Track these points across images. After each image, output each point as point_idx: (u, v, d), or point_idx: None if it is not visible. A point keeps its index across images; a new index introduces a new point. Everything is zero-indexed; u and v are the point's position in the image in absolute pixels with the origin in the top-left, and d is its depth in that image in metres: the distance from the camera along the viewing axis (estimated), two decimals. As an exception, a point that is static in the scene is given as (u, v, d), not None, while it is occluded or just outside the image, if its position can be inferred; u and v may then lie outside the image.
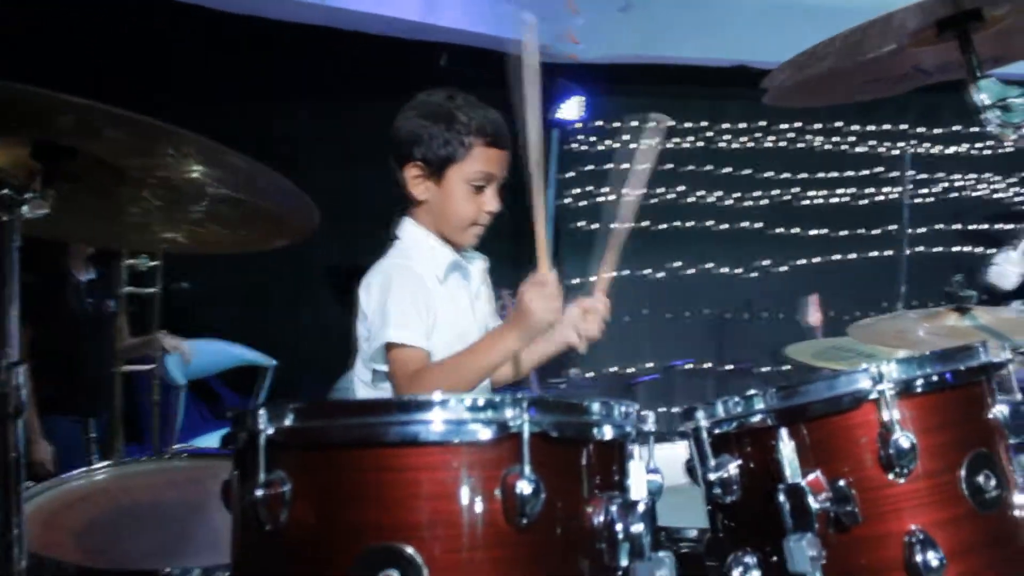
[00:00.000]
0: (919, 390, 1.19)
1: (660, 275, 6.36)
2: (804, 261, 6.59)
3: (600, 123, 6.24)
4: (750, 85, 6.45)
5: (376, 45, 5.18)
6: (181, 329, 4.29)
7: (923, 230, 6.61)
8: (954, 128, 6.76)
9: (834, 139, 6.65)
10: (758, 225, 6.54)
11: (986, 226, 6.89)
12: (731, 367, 6.35)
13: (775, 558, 1.22)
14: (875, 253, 6.70)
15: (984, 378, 1.25)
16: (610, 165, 6.29)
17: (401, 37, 5.23)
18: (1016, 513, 1.21)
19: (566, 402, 1.16)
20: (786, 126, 6.54)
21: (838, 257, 6.64)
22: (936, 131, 6.74)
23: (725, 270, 6.51)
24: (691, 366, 6.38)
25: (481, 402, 1.09)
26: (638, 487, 1.15)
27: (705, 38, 5.79)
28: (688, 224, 6.43)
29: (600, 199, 6.29)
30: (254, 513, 1.10)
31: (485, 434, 1.07)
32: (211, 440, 4.00)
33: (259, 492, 1.09)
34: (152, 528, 1.91)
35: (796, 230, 6.62)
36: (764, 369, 6.30)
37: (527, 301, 1.77)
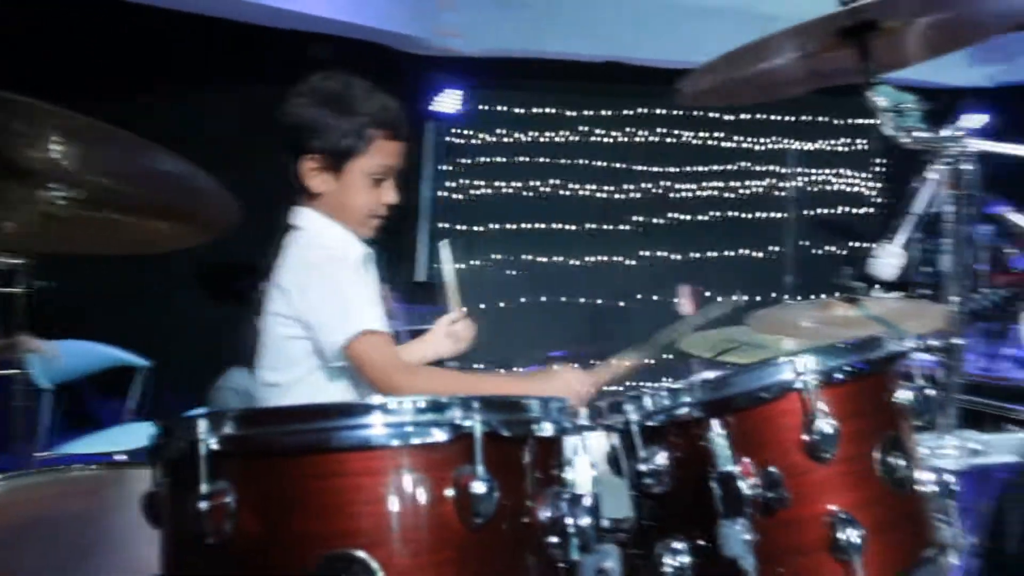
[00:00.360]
0: (838, 379, 1.26)
1: (535, 267, 6.44)
2: (678, 254, 6.81)
3: (477, 117, 6.26)
4: (623, 80, 6.64)
5: (235, 30, 5.03)
6: (48, 331, 4.07)
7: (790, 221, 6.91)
8: (819, 124, 7.12)
9: (704, 133, 6.89)
10: (636, 217, 6.72)
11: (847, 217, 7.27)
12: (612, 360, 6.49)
13: (703, 543, 1.28)
14: (747, 249, 6.98)
15: (891, 366, 1.34)
16: (486, 159, 6.34)
17: (262, 24, 5.09)
18: (922, 489, 1.30)
19: (509, 400, 1.18)
20: (659, 120, 6.73)
21: (713, 253, 6.88)
22: (802, 126, 7.06)
23: (602, 258, 6.65)
24: (568, 355, 6.49)
25: (430, 403, 1.09)
26: (583, 481, 1.18)
27: (580, 34, 5.90)
28: (563, 216, 6.53)
29: (478, 192, 6.32)
30: (196, 526, 1.06)
31: (436, 435, 1.08)
32: (80, 447, 3.83)
33: (202, 504, 1.06)
34: (49, 544, 1.82)
35: (668, 222, 6.82)
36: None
37: (566, 387, 1.95)
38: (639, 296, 6.74)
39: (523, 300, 6.46)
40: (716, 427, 1.25)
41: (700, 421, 1.27)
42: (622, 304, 6.75)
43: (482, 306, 5.77)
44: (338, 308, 1.84)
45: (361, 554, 1.03)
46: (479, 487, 1.06)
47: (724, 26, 6.02)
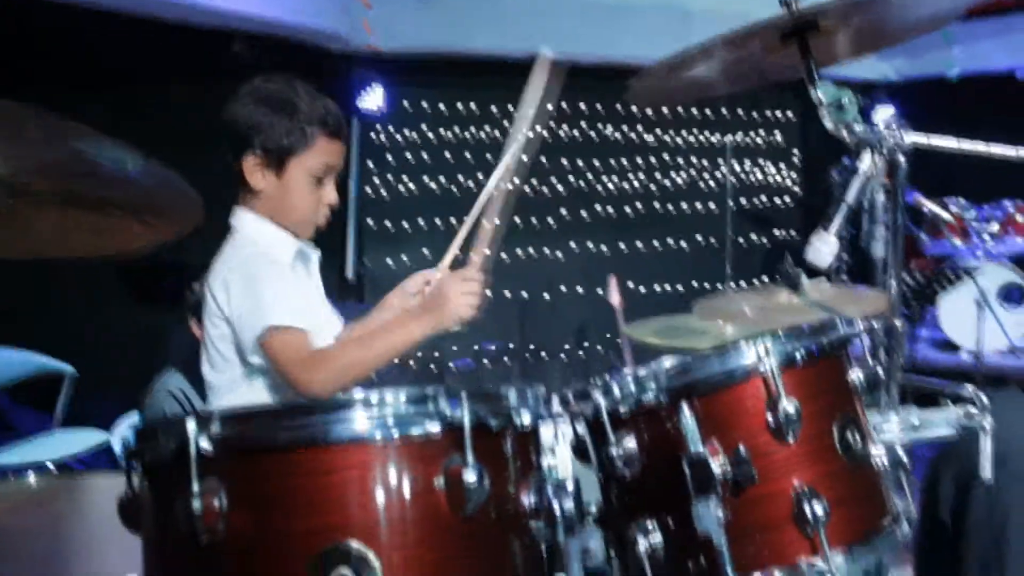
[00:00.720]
0: (798, 362, 1.33)
1: (462, 262, 6.46)
2: (606, 247, 6.92)
3: (401, 114, 6.26)
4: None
5: (162, 30, 4.93)
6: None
7: (716, 211, 7.08)
8: (739, 117, 7.31)
9: (626, 127, 7.01)
10: (561, 211, 6.80)
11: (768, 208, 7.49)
12: (543, 352, 6.56)
13: (672, 523, 1.33)
14: (674, 241, 7.13)
15: (844, 349, 1.42)
16: (411, 156, 6.34)
17: (180, 20, 5.00)
18: (876, 463, 1.39)
19: (490, 392, 1.22)
20: (583, 115, 6.83)
21: (641, 246, 7.01)
22: (724, 119, 7.24)
23: (530, 252, 6.71)
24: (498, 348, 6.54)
25: (419, 396, 1.12)
26: (564, 466, 1.22)
27: (503, 31, 5.94)
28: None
29: (401, 189, 6.32)
30: (188, 527, 1.07)
31: (426, 427, 1.11)
32: (6, 457, 3.72)
33: (195, 504, 1.07)
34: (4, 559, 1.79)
35: (594, 215, 6.92)
36: (567, 348, 6.57)
37: (451, 293, 1.78)
38: (565, 289, 6.83)
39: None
40: (685, 411, 1.30)
41: (669, 406, 1.33)
42: (548, 297, 6.83)
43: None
44: (252, 305, 1.83)
45: (357, 546, 1.06)
46: (470, 476, 1.09)
47: (644, 21, 6.14)
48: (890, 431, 1.55)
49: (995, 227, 6.47)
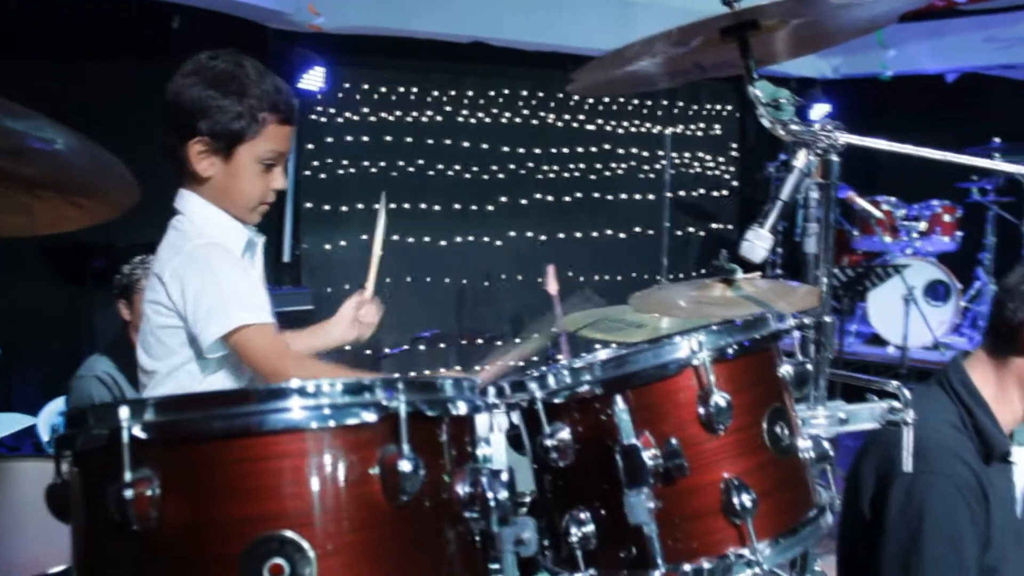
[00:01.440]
0: (730, 355, 1.36)
1: (400, 247, 6.44)
2: (544, 235, 6.94)
3: (341, 95, 6.19)
4: (488, 60, 6.70)
5: (98, 2, 4.80)
6: None
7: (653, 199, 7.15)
8: (680, 109, 7.38)
9: (567, 115, 7.03)
10: (502, 198, 6.80)
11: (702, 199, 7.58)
12: (479, 340, 6.56)
13: (605, 513, 1.36)
14: (612, 230, 7.18)
15: (775, 343, 1.45)
16: (351, 138, 6.27)
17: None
18: (802, 456, 1.42)
19: (426, 381, 1.22)
20: (524, 101, 6.83)
21: (579, 234, 7.05)
22: (664, 110, 7.31)
23: (469, 238, 6.71)
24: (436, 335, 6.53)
25: (355, 385, 1.11)
26: (499, 456, 1.23)
27: (445, 13, 5.91)
28: (429, 196, 6.55)
29: (340, 171, 6.25)
30: (120, 515, 1.06)
31: (362, 416, 1.10)
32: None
33: (126, 492, 1.05)
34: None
35: (534, 202, 6.94)
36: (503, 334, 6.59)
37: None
38: (504, 276, 6.84)
39: (388, 280, 6.45)
40: (619, 403, 1.32)
41: (603, 397, 1.34)
42: (487, 284, 6.84)
43: (347, 287, 5.74)
44: (215, 302, 1.81)
45: (291, 535, 1.05)
46: (405, 465, 1.09)
47: (585, 10, 6.16)
48: (818, 424, 1.59)
49: (923, 225, 6.67)
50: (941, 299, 6.54)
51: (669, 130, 6.70)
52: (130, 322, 3.52)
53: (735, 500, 1.29)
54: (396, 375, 1.14)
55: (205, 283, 1.82)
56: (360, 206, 6.22)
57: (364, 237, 6.25)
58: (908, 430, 1.60)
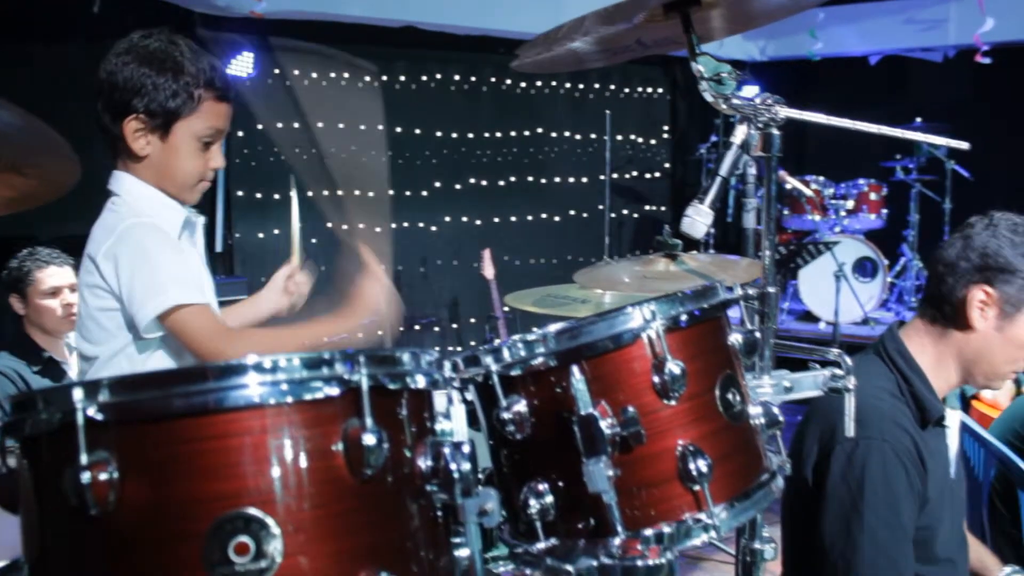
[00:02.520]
0: (682, 325, 1.38)
1: (334, 233, 6.37)
2: (479, 219, 6.94)
3: (271, 80, 6.09)
4: (420, 45, 6.67)
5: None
6: None
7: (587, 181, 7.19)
8: (613, 91, 7.42)
9: (502, 100, 7.03)
10: (436, 184, 6.77)
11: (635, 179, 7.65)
12: (416, 326, 6.54)
13: (563, 484, 1.37)
14: (547, 213, 7.20)
15: (724, 312, 1.48)
16: (280, 124, 6.17)
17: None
18: (753, 422, 1.46)
19: (386, 354, 1.21)
20: (457, 85, 6.80)
21: (514, 218, 7.05)
22: (590, 95, 7.34)
23: (403, 224, 6.67)
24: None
25: (315, 359, 1.10)
26: (460, 429, 1.23)
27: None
28: (362, 181, 6.49)
29: (271, 159, 6.16)
30: (77, 500, 1.03)
31: (324, 390, 1.09)
32: None
33: (83, 476, 1.03)
34: None
35: (467, 186, 6.93)
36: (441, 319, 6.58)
37: (373, 297, 1.94)
38: (440, 262, 6.83)
39: (323, 268, 6.38)
40: (575, 373, 1.33)
41: (559, 369, 1.35)
42: (423, 270, 6.82)
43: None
44: (148, 282, 1.79)
45: (255, 512, 1.04)
46: (369, 439, 1.09)
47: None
48: (764, 393, 1.63)
49: (850, 204, 6.84)
50: (869, 275, 6.73)
51: (607, 112, 6.75)
52: (25, 316, 3.47)
53: (691, 466, 1.32)
54: (353, 348, 1.13)
55: (138, 262, 1.81)
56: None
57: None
58: (850, 396, 1.65)
